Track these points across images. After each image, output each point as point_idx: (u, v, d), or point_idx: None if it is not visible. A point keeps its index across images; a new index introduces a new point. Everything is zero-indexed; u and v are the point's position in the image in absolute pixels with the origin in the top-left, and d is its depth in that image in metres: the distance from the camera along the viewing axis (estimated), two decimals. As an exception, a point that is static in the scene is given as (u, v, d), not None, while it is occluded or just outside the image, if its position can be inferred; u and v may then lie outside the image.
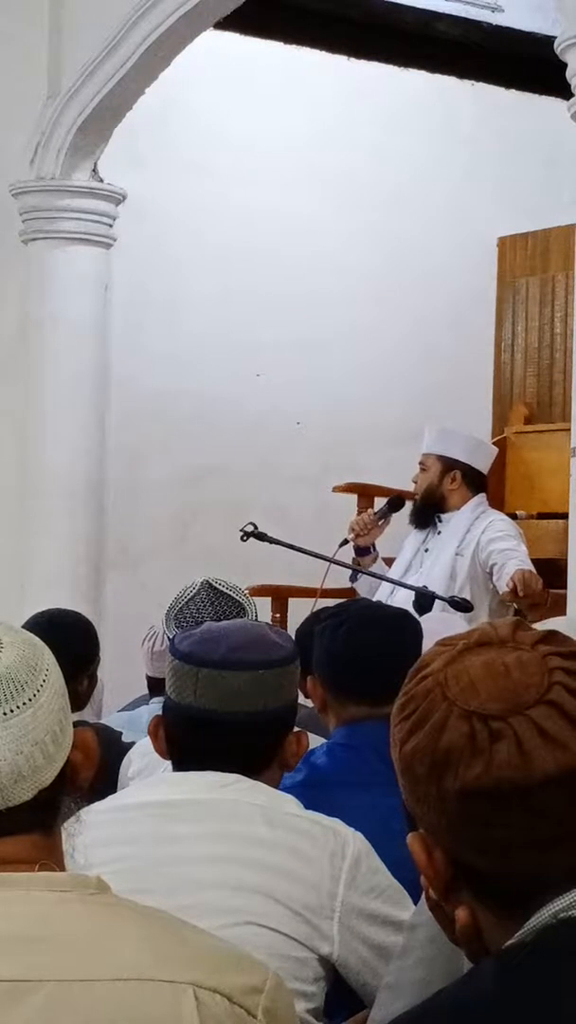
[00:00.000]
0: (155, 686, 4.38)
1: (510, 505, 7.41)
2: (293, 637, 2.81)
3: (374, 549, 6.09)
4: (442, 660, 1.42)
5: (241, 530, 5.39)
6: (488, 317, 8.57)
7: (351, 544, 6.01)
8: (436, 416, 6.76)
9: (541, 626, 1.49)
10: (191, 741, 2.44)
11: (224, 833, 2.34)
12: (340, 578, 6.13)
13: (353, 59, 8.04)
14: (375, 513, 6.15)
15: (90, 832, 1.77)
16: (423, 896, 1.69)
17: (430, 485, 6.05)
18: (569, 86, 5.21)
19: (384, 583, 5.85)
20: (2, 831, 1.64)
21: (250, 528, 5.37)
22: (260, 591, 6.18)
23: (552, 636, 1.43)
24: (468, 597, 5.57)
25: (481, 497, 6.08)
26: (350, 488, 7.29)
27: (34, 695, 1.65)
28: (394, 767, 1.44)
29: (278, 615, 6.72)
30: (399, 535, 6.21)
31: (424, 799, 1.40)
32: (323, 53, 7.94)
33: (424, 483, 6.08)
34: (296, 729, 2.54)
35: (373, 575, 5.92)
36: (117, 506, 7.23)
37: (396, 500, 6.14)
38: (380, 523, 6.07)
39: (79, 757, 1.71)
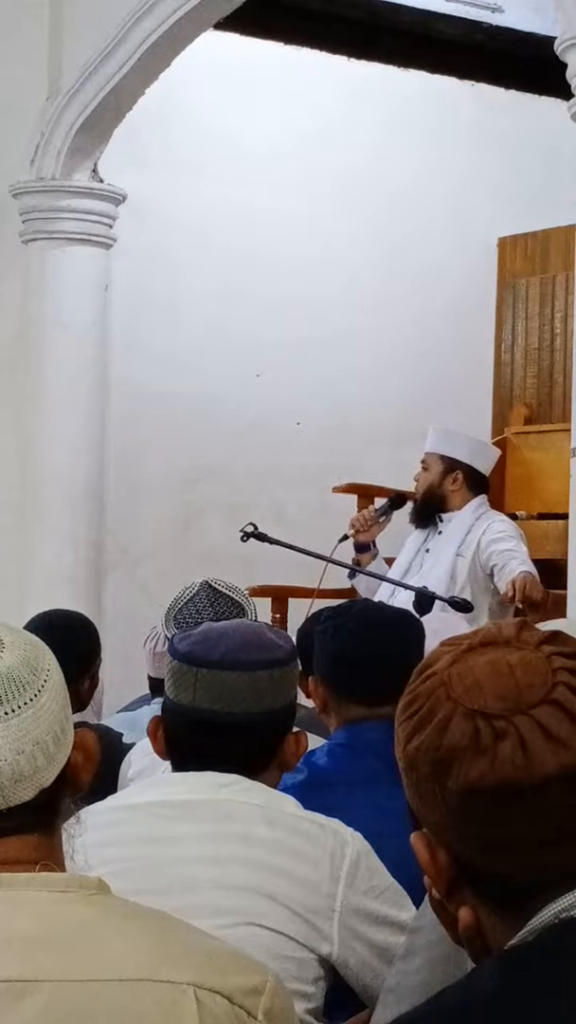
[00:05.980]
0: (157, 686, 4.36)
1: (510, 506, 7.41)
2: (293, 637, 2.80)
3: (374, 546, 6.09)
4: (447, 659, 1.42)
5: (241, 530, 5.38)
6: (488, 317, 8.57)
7: (351, 541, 6.01)
8: (436, 416, 6.76)
9: (543, 627, 1.49)
10: (190, 741, 2.44)
11: (223, 833, 2.34)
12: (339, 578, 6.12)
13: (353, 59, 8.03)
14: (376, 510, 6.16)
15: (90, 833, 1.77)
16: (426, 899, 1.69)
17: (431, 484, 6.05)
18: (569, 86, 5.22)
19: (384, 582, 5.84)
20: (2, 831, 1.64)
21: (250, 528, 5.36)
22: (260, 591, 6.18)
23: (556, 636, 1.43)
24: (468, 598, 5.56)
25: (482, 498, 6.08)
26: (350, 488, 7.29)
27: (35, 695, 1.65)
28: (395, 767, 1.45)
29: (278, 615, 6.72)
30: (402, 535, 6.21)
31: (427, 798, 1.40)
32: (323, 53, 7.94)
33: (425, 482, 6.08)
34: (296, 729, 2.54)
35: (371, 575, 5.92)
36: (117, 506, 7.22)
37: (397, 498, 6.15)
38: (380, 520, 6.07)
39: (80, 758, 1.71)
